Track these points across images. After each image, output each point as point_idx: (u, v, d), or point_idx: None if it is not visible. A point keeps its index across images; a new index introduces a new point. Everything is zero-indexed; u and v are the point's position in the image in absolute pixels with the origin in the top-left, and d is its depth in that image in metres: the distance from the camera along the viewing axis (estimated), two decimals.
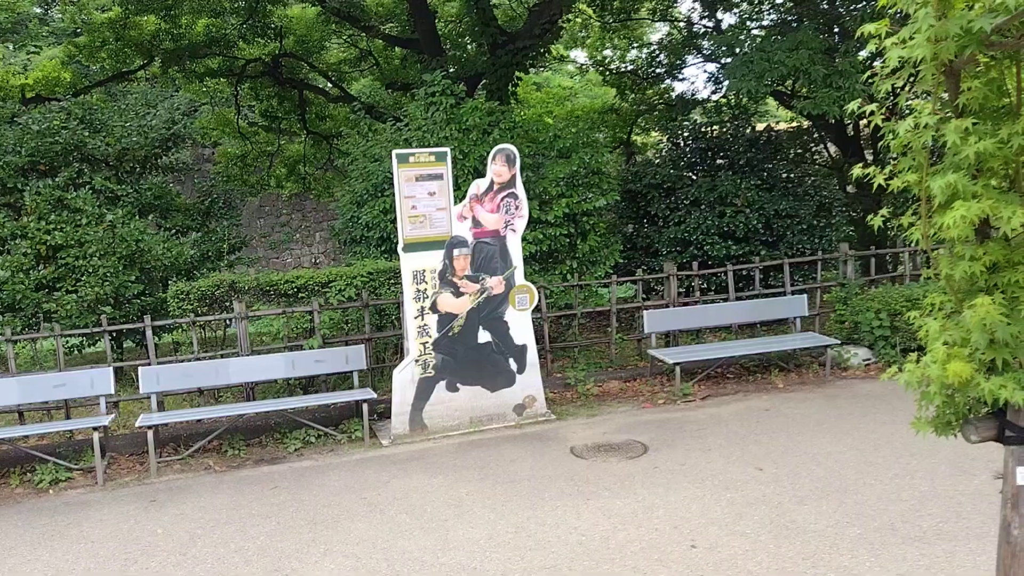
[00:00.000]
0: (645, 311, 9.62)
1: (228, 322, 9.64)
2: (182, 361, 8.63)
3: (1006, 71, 2.66)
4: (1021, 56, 2.59)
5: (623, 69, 19.13)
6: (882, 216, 3.00)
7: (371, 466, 7.21)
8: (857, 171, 3.05)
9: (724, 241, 11.18)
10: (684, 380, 9.00)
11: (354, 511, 6.12)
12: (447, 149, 8.11)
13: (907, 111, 2.77)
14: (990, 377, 2.63)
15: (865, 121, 2.86)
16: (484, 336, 8.13)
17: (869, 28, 2.73)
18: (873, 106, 2.84)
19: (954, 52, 2.49)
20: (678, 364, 8.79)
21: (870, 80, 2.84)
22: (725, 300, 10.27)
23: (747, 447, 6.99)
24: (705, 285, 11.10)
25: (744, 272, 10.85)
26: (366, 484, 6.72)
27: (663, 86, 17.85)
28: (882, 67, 2.76)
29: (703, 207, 11.41)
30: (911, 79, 2.71)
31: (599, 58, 19.62)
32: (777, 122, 14.88)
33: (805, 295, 9.96)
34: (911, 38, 2.57)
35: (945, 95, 2.66)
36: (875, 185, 2.88)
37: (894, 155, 2.84)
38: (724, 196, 11.32)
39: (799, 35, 10.87)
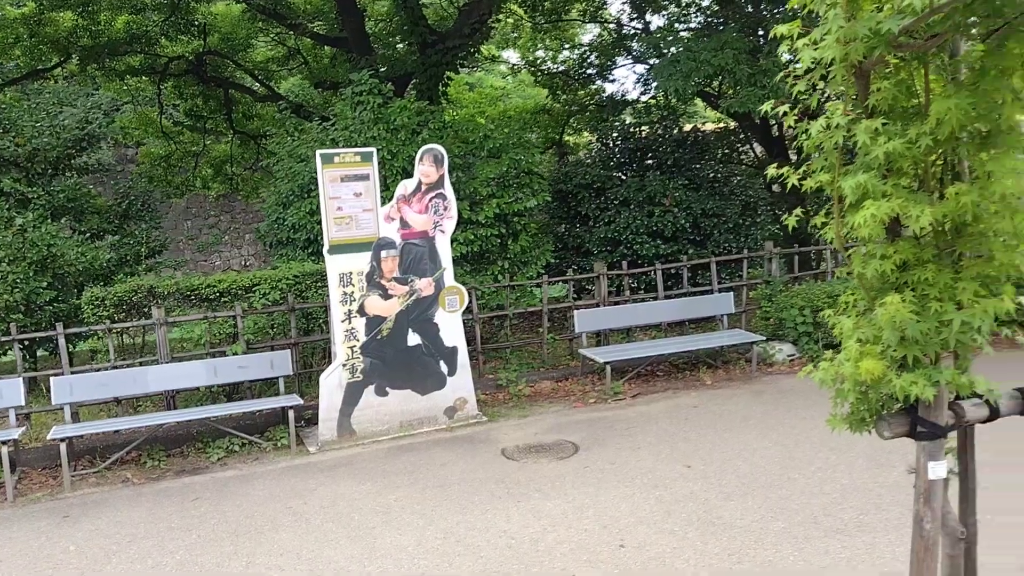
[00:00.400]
0: (576, 311, 9.64)
1: (152, 328, 9.31)
2: (98, 370, 8.29)
3: (915, 72, 2.69)
4: (928, 57, 2.63)
5: (555, 70, 19.21)
6: (796, 216, 3.02)
7: (297, 474, 7.04)
8: (772, 171, 3.06)
9: (653, 240, 11.29)
10: (615, 379, 9.05)
11: (278, 521, 5.95)
12: (373, 149, 7.97)
13: (821, 111, 2.79)
14: (902, 374, 2.66)
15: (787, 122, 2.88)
16: (414, 339, 8.02)
17: (781, 29, 2.75)
18: (786, 107, 2.86)
19: (863, 53, 2.51)
20: (608, 363, 8.83)
21: (784, 81, 2.85)
22: (655, 299, 10.37)
23: (676, 444, 7.05)
24: (635, 284, 11.19)
25: (673, 271, 10.97)
26: (292, 493, 6.55)
27: (594, 87, 17.99)
28: (795, 68, 2.77)
29: (632, 207, 11.49)
30: (823, 80, 2.73)
31: (531, 59, 19.68)
32: (704, 123, 15.12)
33: (732, 293, 10.13)
34: (822, 39, 2.58)
35: (856, 96, 2.68)
36: (789, 185, 2.89)
37: (808, 155, 2.86)
38: (653, 196, 11.43)
39: (724, 36, 11.06)
